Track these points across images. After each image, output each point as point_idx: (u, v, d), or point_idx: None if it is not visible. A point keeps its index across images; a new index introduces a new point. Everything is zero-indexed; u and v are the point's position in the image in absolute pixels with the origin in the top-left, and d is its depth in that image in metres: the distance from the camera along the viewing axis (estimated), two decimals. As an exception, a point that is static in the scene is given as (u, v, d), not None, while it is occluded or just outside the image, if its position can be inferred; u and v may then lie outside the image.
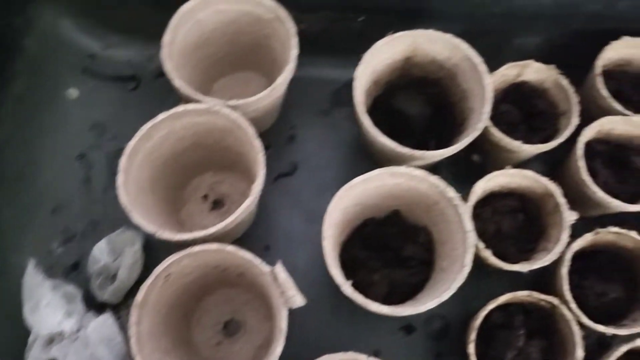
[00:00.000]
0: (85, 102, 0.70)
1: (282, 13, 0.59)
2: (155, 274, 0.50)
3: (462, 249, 0.51)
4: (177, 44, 0.59)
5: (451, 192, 0.53)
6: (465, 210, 0.52)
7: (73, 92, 0.70)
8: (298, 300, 0.49)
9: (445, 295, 0.49)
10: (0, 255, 0.62)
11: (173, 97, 0.67)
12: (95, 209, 0.65)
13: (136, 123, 0.68)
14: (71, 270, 0.63)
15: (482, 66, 0.57)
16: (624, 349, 0.52)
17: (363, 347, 0.60)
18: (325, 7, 0.66)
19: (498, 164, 0.64)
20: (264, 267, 0.50)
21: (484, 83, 0.56)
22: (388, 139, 0.55)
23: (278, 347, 0.47)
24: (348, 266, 0.59)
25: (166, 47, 0.57)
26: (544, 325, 0.56)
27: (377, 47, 0.58)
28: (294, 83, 0.60)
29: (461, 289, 0.51)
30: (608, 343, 0.57)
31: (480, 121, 0.55)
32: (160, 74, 0.70)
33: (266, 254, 0.64)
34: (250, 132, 0.54)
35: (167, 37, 0.57)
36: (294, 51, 0.58)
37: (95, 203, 0.66)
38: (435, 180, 0.54)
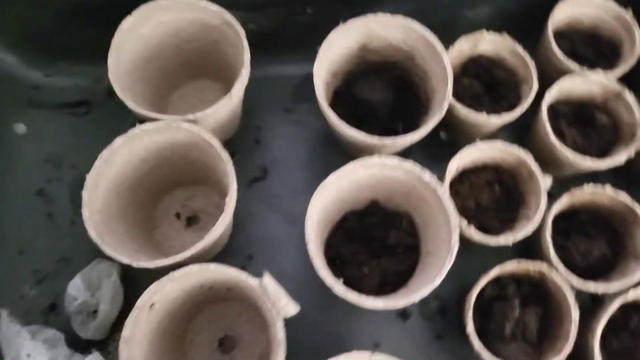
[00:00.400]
0: (36, 135, 0.66)
1: (229, 17, 0.57)
2: (138, 306, 0.48)
3: (447, 230, 0.51)
4: (124, 63, 0.57)
5: (427, 176, 0.52)
6: (444, 192, 0.52)
7: (20, 127, 0.66)
8: (291, 308, 0.48)
9: (438, 280, 0.49)
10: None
11: (130, 115, 0.65)
12: (63, 244, 0.62)
13: (94, 148, 0.65)
14: (49, 311, 0.60)
15: (438, 45, 0.57)
16: (616, 304, 0.53)
17: (362, 341, 0.60)
18: (271, 4, 0.64)
19: (467, 138, 0.64)
20: (252, 281, 0.49)
21: (443, 62, 0.56)
22: (357, 131, 0.54)
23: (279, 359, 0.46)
24: (335, 263, 0.58)
25: (112, 68, 0.54)
26: (537, 292, 0.57)
27: (331, 39, 0.57)
28: (252, 84, 0.59)
29: (451, 267, 0.50)
30: (600, 298, 0.58)
31: (445, 100, 0.55)
32: (112, 92, 0.68)
33: (250, 263, 0.63)
34: (215, 144, 0.53)
35: (111, 58, 0.55)
36: (246, 55, 0.56)
37: (62, 239, 0.63)
38: (409, 166, 0.53)
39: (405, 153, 0.61)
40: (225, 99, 0.54)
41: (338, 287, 0.49)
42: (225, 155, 0.52)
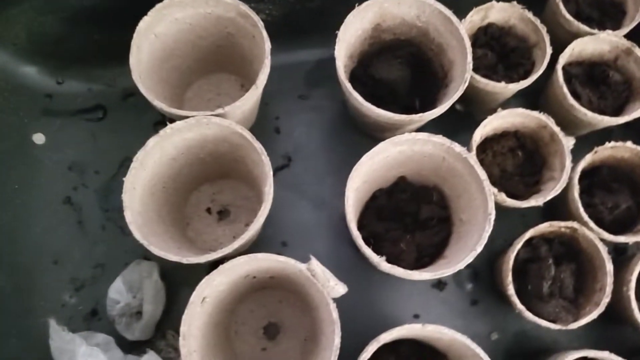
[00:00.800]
0: (55, 144, 0.66)
1: (244, 8, 0.57)
2: (192, 301, 0.48)
3: (482, 198, 0.52)
4: (144, 64, 0.56)
5: (458, 147, 0.54)
6: (475, 161, 0.53)
7: (39, 138, 0.66)
8: (340, 288, 0.49)
9: (479, 248, 0.50)
10: (14, 323, 0.59)
11: (148, 115, 0.65)
12: (97, 250, 0.63)
13: (115, 152, 0.66)
14: (91, 317, 0.61)
15: (454, 17, 0.57)
16: (645, 253, 0.55)
17: (403, 314, 0.62)
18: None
19: (482, 108, 0.65)
20: (300, 265, 0.50)
21: (460, 33, 0.57)
22: (384, 111, 0.54)
23: (337, 339, 0.47)
24: (370, 243, 0.59)
25: (135, 70, 0.54)
26: (568, 250, 0.59)
27: (348, 22, 0.57)
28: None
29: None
30: (624, 249, 0.60)
31: (465, 72, 0.56)
32: (127, 94, 0.68)
33: (285, 249, 0.64)
34: (248, 135, 0.53)
35: (133, 59, 0.55)
36: (267, 44, 0.56)
37: (95, 244, 0.63)
38: (439, 139, 0.54)
39: (422, 128, 0.62)
40: (251, 90, 0.55)
41: (384, 264, 0.50)
42: (258, 145, 0.53)
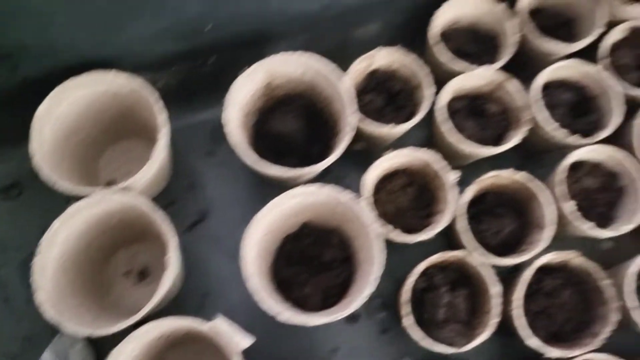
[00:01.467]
0: (-25, 224, 0.68)
1: (137, 83, 0.61)
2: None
3: (369, 242, 0.57)
4: (47, 145, 0.59)
5: (344, 197, 0.58)
6: (362, 207, 0.58)
7: (-44, 221, 0.68)
8: (245, 342, 0.53)
9: (367, 291, 0.54)
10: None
11: (62, 190, 0.67)
12: (24, 324, 0.65)
13: (34, 226, 0.68)
14: (24, 391, 0.63)
15: (333, 75, 0.62)
16: (528, 272, 0.60)
17: (322, 350, 0.66)
18: (173, 62, 0.68)
19: (379, 146, 0.70)
20: (204, 326, 0.53)
21: (340, 89, 0.61)
22: (275, 168, 0.58)
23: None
24: (282, 287, 0.63)
25: (37, 154, 0.57)
26: (461, 276, 0.63)
27: (236, 87, 0.61)
28: (174, 134, 0.63)
29: (387, 265, 0.57)
30: (518, 268, 0.65)
31: (348, 124, 0.60)
32: (40, 172, 0.70)
33: (207, 300, 0.67)
34: (147, 208, 0.57)
35: (34, 144, 0.58)
36: (161, 116, 0.60)
37: (21, 320, 0.65)
38: (327, 189, 0.58)
39: (328, 168, 0.66)
40: (149, 163, 0.58)
41: (282, 315, 0.54)
42: (159, 215, 0.56)
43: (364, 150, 0.74)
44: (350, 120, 0.61)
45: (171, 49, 0.66)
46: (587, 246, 0.70)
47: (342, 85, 0.61)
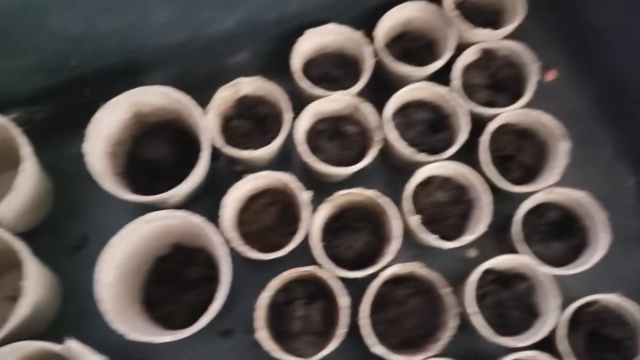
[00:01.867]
0: None
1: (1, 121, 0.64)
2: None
3: (220, 261, 0.61)
4: None
5: (196, 218, 0.62)
6: (211, 228, 0.62)
7: None
8: (100, 361, 0.57)
9: (215, 308, 0.58)
10: None
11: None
12: None
13: None
14: None
15: (190, 103, 0.66)
16: (375, 283, 0.64)
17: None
18: (47, 95, 0.71)
19: (255, 168, 0.74)
20: (57, 347, 0.57)
21: (197, 119, 0.65)
22: (130, 195, 0.62)
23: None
24: (152, 306, 0.67)
25: None
26: (319, 288, 0.67)
27: (97, 118, 0.65)
28: (58, 164, 0.69)
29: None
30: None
31: (204, 149, 0.64)
32: None
33: (86, 321, 0.70)
34: (9, 238, 0.60)
35: None
36: (24, 149, 0.63)
37: None
38: (180, 213, 0.62)
39: (211, 188, 0.71)
40: (9, 196, 0.62)
41: (129, 335, 0.57)
42: (17, 245, 0.60)
43: (246, 171, 0.78)
44: (206, 147, 0.65)
45: (40, 84, 0.69)
46: (456, 255, 0.75)
47: (197, 114, 0.65)
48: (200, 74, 0.75)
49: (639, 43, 0.69)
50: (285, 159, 0.77)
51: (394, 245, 0.65)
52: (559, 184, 0.71)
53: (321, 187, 0.70)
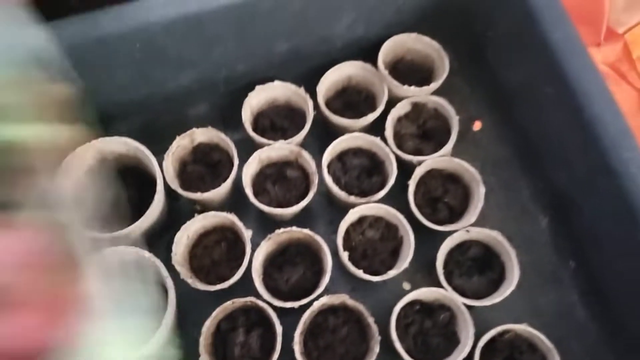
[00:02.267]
0: None
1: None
2: None
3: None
4: None
5: (146, 254, 0.70)
6: (160, 264, 0.70)
7: None
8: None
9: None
10: None
11: None
12: None
13: None
14: None
15: (147, 151, 0.75)
16: (307, 314, 0.71)
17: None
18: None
19: (210, 207, 0.82)
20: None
21: (153, 165, 0.74)
22: (100, 234, 0.70)
23: None
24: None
25: None
26: (261, 317, 0.75)
27: (67, 164, 0.73)
28: None
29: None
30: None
31: (157, 199, 0.73)
32: None
33: None
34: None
35: None
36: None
37: None
38: (133, 250, 0.71)
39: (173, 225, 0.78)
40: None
41: None
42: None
43: (203, 210, 0.86)
44: (159, 189, 0.74)
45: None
46: (391, 288, 0.83)
47: (153, 160, 0.74)
48: (164, 124, 0.84)
49: (542, 101, 0.78)
50: (242, 199, 0.85)
51: (326, 279, 0.73)
52: (483, 223, 0.80)
53: (271, 226, 0.78)
